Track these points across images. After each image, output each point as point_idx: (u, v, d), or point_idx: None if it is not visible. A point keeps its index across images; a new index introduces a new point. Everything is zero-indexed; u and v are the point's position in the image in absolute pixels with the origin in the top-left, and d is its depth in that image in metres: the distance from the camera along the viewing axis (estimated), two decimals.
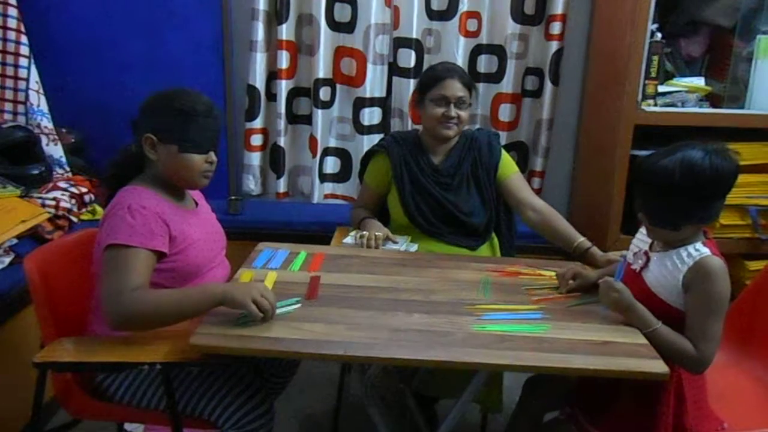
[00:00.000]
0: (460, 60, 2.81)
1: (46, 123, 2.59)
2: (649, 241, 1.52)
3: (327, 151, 2.97)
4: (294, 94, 2.90)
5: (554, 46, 2.77)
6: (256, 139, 2.89)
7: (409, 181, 2.03)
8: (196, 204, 1.69)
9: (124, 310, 1.36)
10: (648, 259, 1.48)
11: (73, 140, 2.76)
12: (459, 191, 2.03)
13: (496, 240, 2.18)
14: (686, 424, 1.45)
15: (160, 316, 1.39)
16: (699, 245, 1.41)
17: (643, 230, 1.58)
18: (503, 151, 2.09)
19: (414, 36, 2.78)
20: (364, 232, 1.96)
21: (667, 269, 1.42)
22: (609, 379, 1.44)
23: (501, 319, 1.48)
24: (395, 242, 1.96)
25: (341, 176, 3.02)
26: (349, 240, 2.00)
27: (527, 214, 2.01)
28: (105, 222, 1.45)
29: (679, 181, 1.32)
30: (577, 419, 1.59)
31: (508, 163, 2.09)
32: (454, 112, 1.96)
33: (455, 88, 1.96)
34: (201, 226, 1.62)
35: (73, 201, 2.38)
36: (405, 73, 2.83)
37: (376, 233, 1.95)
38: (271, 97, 2.87)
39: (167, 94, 1.52)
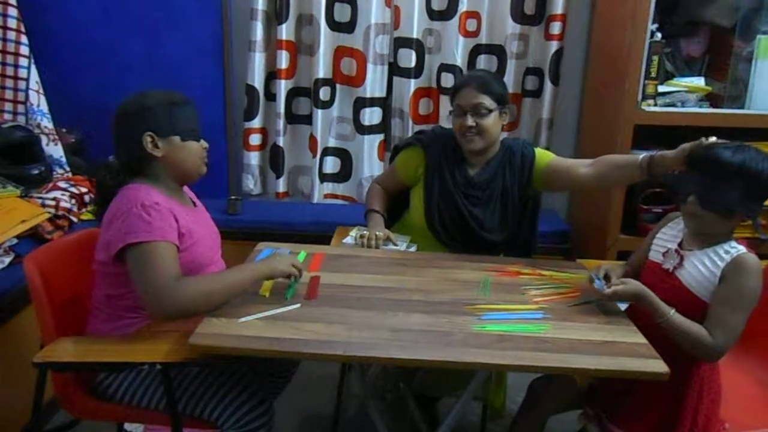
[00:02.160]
0: (460, 60, 2.81)
1: (46, 123, 2.59)
2: (677, 239, 1.52)
3: (327, 151, 2.97)
4: (293, 94, 2.90)
5: (554, 46, 2.77)
6: (255, 139, 2.90)
7: (438, 189, 1.96)
8: (194, 204, 1.69)
9: (173, 300, 1.36)
10: (682, 258, 1.48)
11: (72, 140, 2.76)
12: (486, 207, 1.95)
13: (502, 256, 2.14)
14: (699, 422, 1.46)
15: (209, 299, 1.42)
16: (734, 243, 1.44)
17: (665, 230, 1.58)
18: (536, 149, 1.98)
19: (414, 36, 2.78)
20: (365, 232, 1.96)
21: (705, 266, 1.43)
22: (630, 381, 1.45)
23: (501, 319, 1.48)
24: (395, 244, 1.95)
25: (341, 176, 3.02)
26: (349, 240, 1.99)
27: (583, 172, 1.85)
28: (118, 222, 1.43)
29: (747, 166, 1.35)
30: (599, 420, 1.59)
31: (544, 153, 1.98)
32: (470, 120, 1.84)
33: (469, 95, 1.85)
34: (201, 225, 1.63)
35: (73, 201, 2.38)
36: (405, 73, 2.83)
37: (377, 233, 1.94)
38: (270, 96, 2.87)
39: (143, 96, 1.52)
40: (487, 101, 1.85)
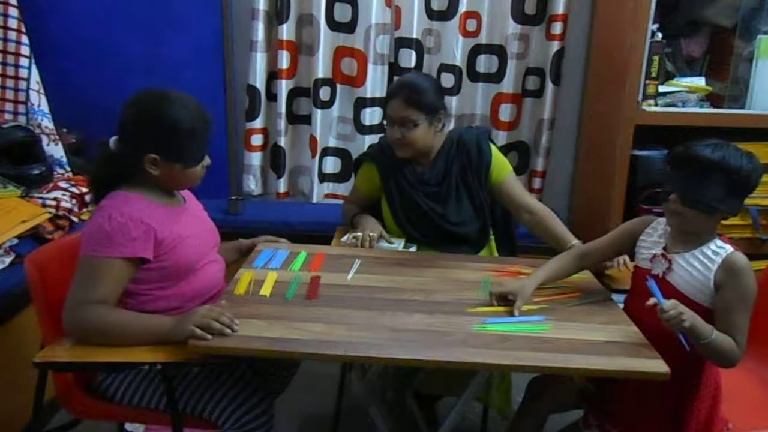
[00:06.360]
0: (459, 59, 2.81)
1: (47, 123, 2.59)
2: (661, 243, 1.52)
3: (327, 151, 2.97)
4: (294, 94, 2.90)
5: (555, 46, 2.77)
6: (257, 139, 2.90)
7: (397, 193, 1.98)
8: (184, 200, 1.66)
9: (77, 321, 1.37)
10: (670, 262, 1.48)
11: (73, 140, 2.76)
12: (448, 201, 1.96)
13: (494, 246, 2.14)
14: (701, 420, 1.47)
15: (104, 338, 1.38)
16: (719, 242, 1.44)
17: (644, 237, 1.57)
18: (494, 151, 1.99)
19: (414, 36, 2.79)
20: (358, 233, 1.95)
21: (696, 269, 1.43)
22: (632, 384, 1.45)
23: (501, 320, 1.47)
24: (390, 242, 1.95)
25: (341, 176, 3.02)
26: (346, 239, 1.99)
27: (523, 215, 1.97)
28: (86, 227, 1.44)
29: (726, 163, 1.36)
30: (602, 428, 1.59)
31: (500, 164, 1.99)
32: (398, 132, 1.87)
33: (397, 108, 1.86)
34: (191, 223, 1.60)
35: (74, 201, 2.37)
36: (406, 73, 2.82)
37: (370, 233, 1.93)
38: (272, 97, 2.87)
39: (164, 104, 1.45)
40: (414, 115, 1.85)
